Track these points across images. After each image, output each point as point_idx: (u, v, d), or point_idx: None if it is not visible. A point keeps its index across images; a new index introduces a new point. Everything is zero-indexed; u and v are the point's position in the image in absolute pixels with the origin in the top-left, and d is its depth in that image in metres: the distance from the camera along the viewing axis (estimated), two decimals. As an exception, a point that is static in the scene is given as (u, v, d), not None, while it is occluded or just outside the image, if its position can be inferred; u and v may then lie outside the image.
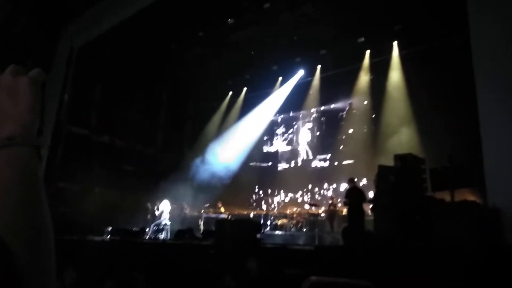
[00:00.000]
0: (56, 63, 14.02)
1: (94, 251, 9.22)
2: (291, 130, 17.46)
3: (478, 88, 7.14)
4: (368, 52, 13.71)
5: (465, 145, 8.72)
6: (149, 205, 12.89)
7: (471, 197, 7.68)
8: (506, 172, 6.42)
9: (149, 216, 12.55)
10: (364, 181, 12.04)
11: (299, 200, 15.19)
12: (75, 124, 14.48)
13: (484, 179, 6.73)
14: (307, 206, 13.58)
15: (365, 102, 14.15)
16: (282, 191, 16.02)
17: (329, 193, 14.00)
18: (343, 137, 14.88)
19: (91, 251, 9.30)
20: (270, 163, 17.64)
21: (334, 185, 14.22)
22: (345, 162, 14.43)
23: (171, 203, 12.11)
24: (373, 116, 13.69)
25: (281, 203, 15.62)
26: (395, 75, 12.87)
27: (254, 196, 16.47)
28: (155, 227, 11.36)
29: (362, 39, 13.23)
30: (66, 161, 13.38)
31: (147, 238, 10.88)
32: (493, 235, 5.67)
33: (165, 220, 11.61)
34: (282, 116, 17.55)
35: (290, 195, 15.71)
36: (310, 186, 15.13)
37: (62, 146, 13.61)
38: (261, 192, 16.45)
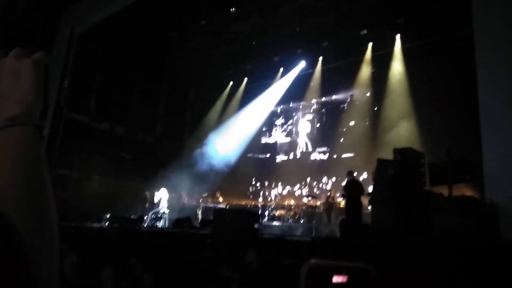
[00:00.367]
0: (56, 49, 13.94)
1: (93, 238, 9.28)
2: (290, 121, 17.17)
3: (479, 83, 7.12)
4: (370, 44, 13.61)
5: (464, 140, 8.73)
6: (147, 193, 12.93)
7: (469, 192, 7.72)
8: (504, 168, 6.44)
9: (147, 204, 12.59)
10: (364, 175, 11.89)
11: (297, 193, 14.96)
12: (74, 111, 14.44)
13: (482, 174, 6.75)
14: (305, 198, 13.63)
15: (367, 95, 14.00)
16: (279, 184, 15.74)
17: (328, 187, 13.71)
18: (344, 129, 14.68)
19: (90, 237, 9.36)
20: (268, 155, 17.41)
21: (333, 179, 13.87)
22: (345, 156, 14.20)
23: (169, 192, 12.13)
24: (375, 109, 13.53)
25: (278, 196, 15.43)
26: (397, 68, 12.80)
27: (251, 188, 16.31)
28: (153, 215, 11.39)
29: (365, 31, 13.14)
30: (65, 147, 13.38)
31: (145, 226, 10.92)
32: (491, 229, 5.70)
33: (164, 208, 11.66)
34: (281, 106, 17.29)
35: (288, 188, 15.47)
36: (308, 180, 14.86)
37: (61, 133, 13.60)
38: (258, 184, 16.24)
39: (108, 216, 11.32)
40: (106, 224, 10.98)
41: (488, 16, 7.32)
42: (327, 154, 15.24)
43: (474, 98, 7.25)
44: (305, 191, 14.62)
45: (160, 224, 11.24)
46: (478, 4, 7.54)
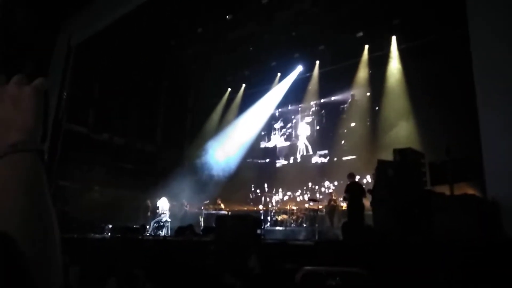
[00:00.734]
0: (54, 60, 14.00)
1: (95, 249, 9.26)
2: (289, 125, 16.89)
3: (476, 82, 7.14)
4: (366, 47, 13.66)
5: (464, 139, 8.72)
6: (149, 202, 12.92)
7: (470, 191, 7.70)
8: (505, 166, 6.43)
9: (149, 213, 12.58)
10: (368, 178, 11.67)
11: (298, 199, 14.68)
12: (74, 122, 14.47)
13: (482, 173, 6.75)
14: (307, 203, 13.60)
15: (366, 96, 13.95)
16: (280, 190, 15.46)
17: (330, 191, 13.27)
18: (345, 130, 14.48)
19: (93, 248, 9.33)
20: (268, 160, 17.14)
21: (335, 183, 13.55)
22: (346, 158, 14.00)
23: (171, 200, 12.13)
24: (374, 110, 13.47)
25: (279, 202, 15.09)
26: (394, 69, 12.84)
27: (252, 194, 16.08)
28: (155, 224, 11.39)
29: (361, 33, 13.20)
30: (65, 159, 13.40)
31: (147, 235, 10.90)
32: (493, 228, 5.69)
33: (166, 216, 11.65)
34: (280, 110, 17.08)
35: (289, 193, 15.19)
36: (310, 184, 14.58)
37: (60, 144, 13.62)
38: (259, 189, 15.92)
39: (110, 226, 11.30)
40: (109, 234, 10.97)
41: (483, 15, 7.35)
42: (328, 157, 15.01)
43: (472, 96, 7.26)
44: (306, 196, 14.29)
45: (162, 232, 11.23)
46: (473, 3, 7.57)
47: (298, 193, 14.95)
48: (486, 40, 7.18)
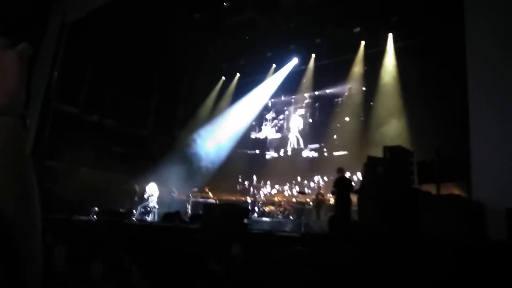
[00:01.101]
0: (46, 38, 13.74)
1: (81, 230, 9.22)
2: (281, 116, 16.57)
3: (469, 82, 7.20)
4: (363, 42, 13.66)
5: (454, 140, 8.82)
6: (137, 187, 12.85)
7: (456, 191, 7.82)
8: (491, 169, 6.54)
9: (136, 198, 12.52)
10: (359, 175, 11.31)
11: (287, 193, 14.50)
12: (64, 102, 14.25)
13: (469, 174, 6.84)
14: (295, 194, 13.67)
15: (361, 91, 13.95)
16: (268, 182, 15.21)
17: (319, 186, 13.14)
18: (338, 125, 14.36)
19: (79, 230, 9.29)
20: (257, 151, 16.77)
21: (325, 178, 13.33)
22: (337, 153, 13.90)
23: (160, 186, 12.07)
24: (368, 106, 13.48)
25: (267, 195, 14.88)
26: (389, 67, 12.88)
27: (241, 184, 15.96)
28: (142, 209, 11.34)
29: (358, 29, 13.18)
30: (53, 139, 13.22)
31: (133, 219, 10.86)
32: (477, 228, 5.79)
33: (153, 202, 11.60)
34: (273, 100, 16.76)
35: (277, 186, 14.96)
36: (299, 178, 14.35)
37: (50, 124, 13.44)
38: (246, 182, 15.75)
39: (96, 209, 11.23)
40: (95, 217, 10.91)
41: (479, 15, 7.38)
42: (319, 152, 14.83)
43: (464, 97, 7.32)
44: (295, 191, 14.19)
45: (149, 218, 11.20)
46: (470, 3, 7.58)
47: (286, 187, 14.79)
48: (481, 41, 7.23)
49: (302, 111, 16.13)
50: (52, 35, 13.64)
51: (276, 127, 16.87)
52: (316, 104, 15.64)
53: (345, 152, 13.67)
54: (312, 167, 14.56)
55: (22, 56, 0.68)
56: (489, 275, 3.86)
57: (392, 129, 11.80)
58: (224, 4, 13.19)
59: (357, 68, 13.88)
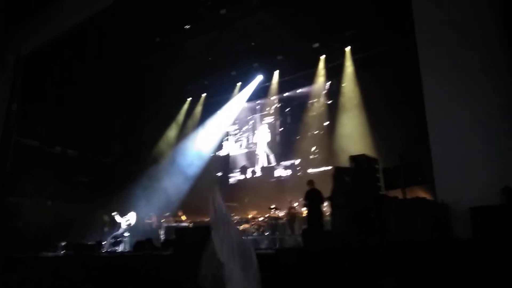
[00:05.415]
0: (2, 72, 13.37)
1: (49, 267, 8.85)
2: (245, 127, 14.83)
3: (424, 90, 7.49)
4: (323, 57, 14.02)
5: (416, 145, 9.11)
6: (106, 217, 12.45)
7: (422, 194, 8.04)
8: (452, 170, 6.77)
9: (106, 229, 12.11)
10: None
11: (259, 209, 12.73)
12: (24, 135, 13.78)
13: (432, 177, 7.06)
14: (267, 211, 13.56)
15: (322, 106, 14.23)
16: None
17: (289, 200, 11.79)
18: (308, 134, 13.61)
19: (46, 267, 8.91)
20: (220, 173, 14.86)
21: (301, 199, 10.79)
22: (314, 170, 12.89)
23: (127, 214, 11.72)
24: (328, 123, 13.55)
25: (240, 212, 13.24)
26: (349, 79, 13.26)
27: None
28: (111, 239, 10.98)
29: (317, 44, 13.52)
30: (15, 174, 12.70)
31: (103, 251, 10.48)
32: (443, 228, 5.96)
33: (124, 231, 11.25)
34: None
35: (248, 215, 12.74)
36: (273, 206, 11.92)
37: (11, 159, 12.91)
38: None
39: (63, 244, 10.79)
40: (62, 252, 10.46)
41: (428, 23, 7.71)
42: (292, 170, 13.31)
43: (422, 104, 7.60)
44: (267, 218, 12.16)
45: (119, 248, 10.84)
46: (418, 10, 7.92)
47: (258, 215, 12.69)
48: (432, 49, 7.55)
49: (270, 119, 14.70)
50: (8, 68, 13.27)
51: (240, 142, 15.05)
52: (287, 110, 14.41)
53: (321, 169, 12.84)
54: (286, 189, 13.12)
55: None
56: (456, 273, 3.95)
57: (357, 139, 12.02)
58: (185, 27, 13.24)
59: (319, 82, 14.19)
